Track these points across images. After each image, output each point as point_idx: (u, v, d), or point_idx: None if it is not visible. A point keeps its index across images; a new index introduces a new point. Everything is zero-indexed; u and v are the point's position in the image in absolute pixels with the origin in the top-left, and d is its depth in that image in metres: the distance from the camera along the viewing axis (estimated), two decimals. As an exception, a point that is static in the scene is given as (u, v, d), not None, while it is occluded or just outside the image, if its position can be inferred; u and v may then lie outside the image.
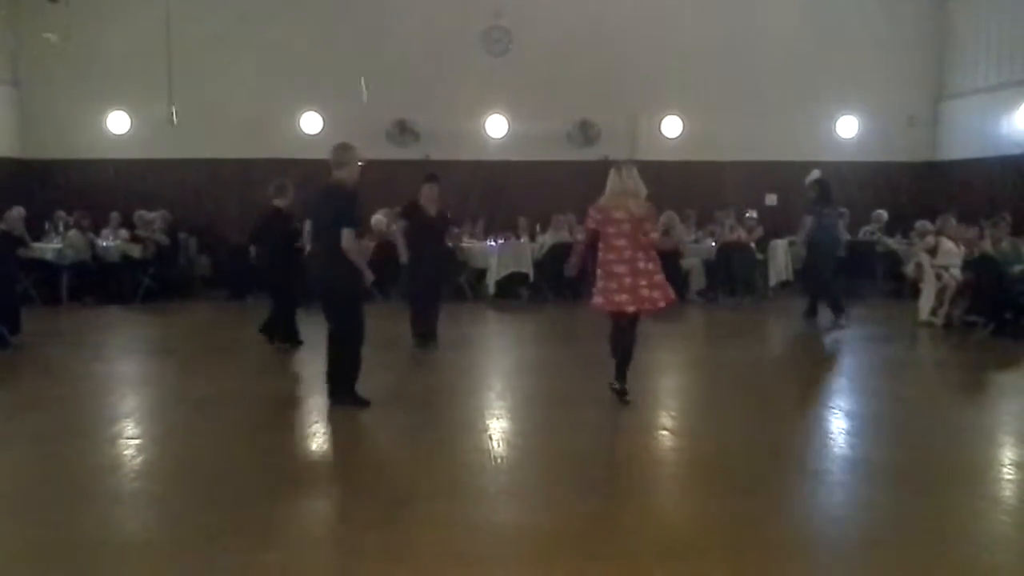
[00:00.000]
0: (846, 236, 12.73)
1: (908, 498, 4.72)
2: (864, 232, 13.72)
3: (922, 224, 11.94)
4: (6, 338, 8.95)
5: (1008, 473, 5.19)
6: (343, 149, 6.45)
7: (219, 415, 6.46)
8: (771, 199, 14.80)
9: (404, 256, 8.96)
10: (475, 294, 13.02)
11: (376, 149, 14.33)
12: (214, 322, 11.46)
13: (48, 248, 12.45)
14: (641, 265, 6.35)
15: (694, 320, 11.82)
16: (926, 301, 10.67)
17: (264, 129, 13.94)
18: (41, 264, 12.24)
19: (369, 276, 6.52)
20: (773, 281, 13.20)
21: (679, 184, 13.73)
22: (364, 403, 6.51)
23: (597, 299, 6.51)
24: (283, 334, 8.98)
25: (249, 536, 4.16)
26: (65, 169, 14.27)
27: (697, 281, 13.09)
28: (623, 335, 6.56)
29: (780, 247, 13.20)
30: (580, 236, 8.68)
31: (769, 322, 11.77)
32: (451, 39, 14.30)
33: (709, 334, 11.07)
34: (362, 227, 6.43)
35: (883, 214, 13.82)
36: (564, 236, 12.57)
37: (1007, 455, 5.60)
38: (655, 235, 6.51)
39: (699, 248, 13.32)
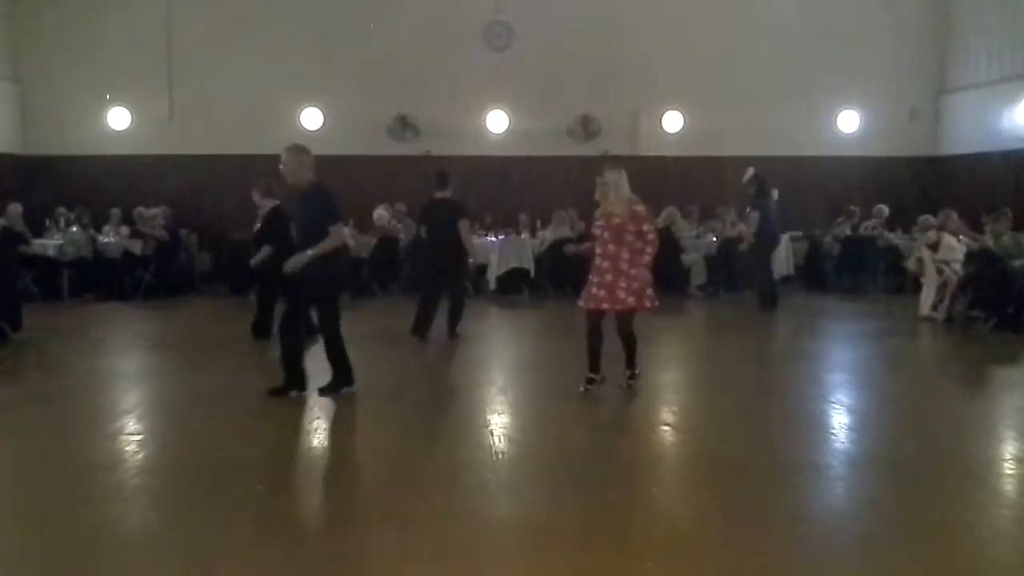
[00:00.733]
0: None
1: (909, 493, 4.71)
2: (865, 227, 13.68)
3: (924, 219, 11.91)
4: (7, 334, 8.96)
5: (1009, 468, 5.18)
6: (294, 152, 6.44)
7: (220, 410, 6.45)
8: (773, 194, 14.75)
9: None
10: (476, 290, 13.02)
11: (377, 144, 14.39)
12: (215, 318, 11.45)
13: (49, 244, 12.42)
14: (624, 267, 6.43)
15: (695, 315, 11.83)
16: (927, 296, 10.65)
17: (265, 125, 13.88)
18: (42, 260, 12.22)
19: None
20: (774, 276, 13.17)
21: (680, 179, 13.71)
22: (301, 387, 6.59)
23: (579, 302, 6.67)
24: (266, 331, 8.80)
25: (250, 531, 4.17)
26: (66, 165, 14.26)
27: (698, 276, 13.11)
28: (595, 334, 6.62)
29: (782, 242, 13.17)
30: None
31: (770, 317, 11.74)
32: (452, 34, 14.30)
33: (709, 328, 11.08)
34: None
35: (884, 209, 13.78)
36: (565, 232, 12.55)
37: (1008, 450, 5.59)
38: (652, 236, 6.50)
39: (700, 244, 13.31)
